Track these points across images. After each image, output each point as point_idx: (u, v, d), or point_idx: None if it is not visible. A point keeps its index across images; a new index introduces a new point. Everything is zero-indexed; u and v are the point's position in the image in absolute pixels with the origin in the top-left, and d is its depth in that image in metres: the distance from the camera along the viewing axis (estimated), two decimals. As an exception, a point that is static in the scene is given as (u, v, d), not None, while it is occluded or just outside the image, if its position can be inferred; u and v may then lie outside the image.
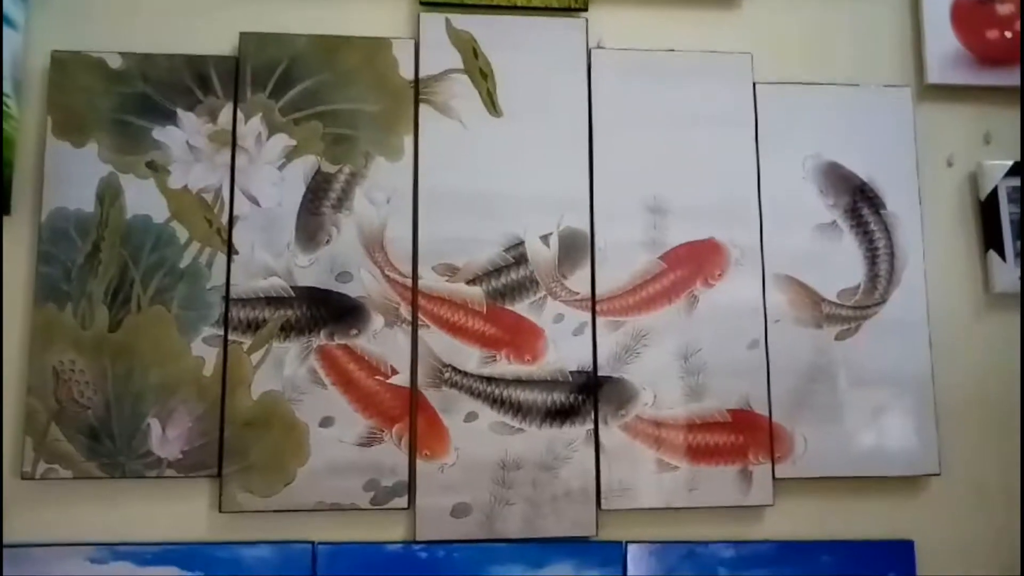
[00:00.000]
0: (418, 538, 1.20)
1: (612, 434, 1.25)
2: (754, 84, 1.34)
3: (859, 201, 1.34)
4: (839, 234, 1.33)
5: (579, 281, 1.27)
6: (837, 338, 1.31)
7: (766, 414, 1.27)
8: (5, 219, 1.22)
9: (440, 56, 1.29)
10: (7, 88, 1.19)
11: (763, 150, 1.33)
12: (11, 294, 1.22)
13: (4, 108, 1.19)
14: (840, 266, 1.32)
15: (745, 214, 1.31)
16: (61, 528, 1.18)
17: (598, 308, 1.27)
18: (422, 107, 1.28)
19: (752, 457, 1.26)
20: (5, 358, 1.20)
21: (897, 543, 1.28)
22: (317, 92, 1.27)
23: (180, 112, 1.25)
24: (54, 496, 1.19)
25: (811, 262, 1.32)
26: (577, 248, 1.28)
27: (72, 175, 1.22)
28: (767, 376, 1.28)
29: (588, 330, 1.26)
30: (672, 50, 1.35)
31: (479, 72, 1.29)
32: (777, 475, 1.26)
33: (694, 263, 1.29)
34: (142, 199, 1.22)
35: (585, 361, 1.25)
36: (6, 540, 1.17)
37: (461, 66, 1.29)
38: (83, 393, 1.17)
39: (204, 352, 1.20)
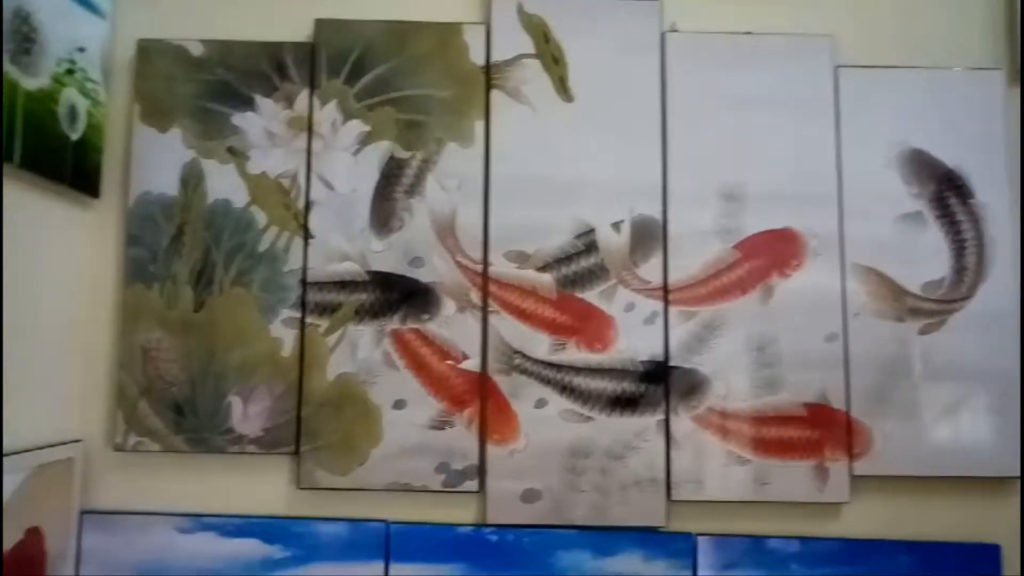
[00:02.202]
0: (488, 521, 1.22)
1: (683, 425, 1.23)
2: (835, 68, 1.30)
3: (946, 190, 1.28)
4: (924, 224, 1.28)
5: (651, 269, 1.25)
6: (921, 332, 1.26)
7: (843, 409, 1.24)
8: (95, 203, 1.27)
9: (512, 41, 1.28)
10: (96, 76, 1.24)
11: (844, 136, 1.28)
12: (102, 275, 1.27)
13: (94, 96, 1.23)
14: (924, 258, 1.27)
15: (824, 203, 1.27)
16: (150, 498, 1.23)
17: (670, 297, 1.25)
18: (493, 93, 1.27)
19: (828, 453, 1.23)
20: (98, 336, 1.26)
21: (982, 546, 1.24)
22: (390, 78, 1.27)
23: (258, 98, 1.27)
24: (144, 467, 1.24)
25: (894, 253, 1.27)
26: (649, 236, 1.26)
27: (157, 160, 1.26)
28: (845, 370, 1.25)
29: (660, 319, 1.25)
30: (749, 33, 1.31)
31: (551, 57, 1.28)
32: (855, 472, 1.23)
33: (770, 252, 1.26)
34: (223, 184, 1.26)
35: (656, 351, 1.24)
36: (100, 507, 1.22)
37: (533, 51, 1.28)
38: (169, 370, 1.22)
39: (282, 333, 1.23)
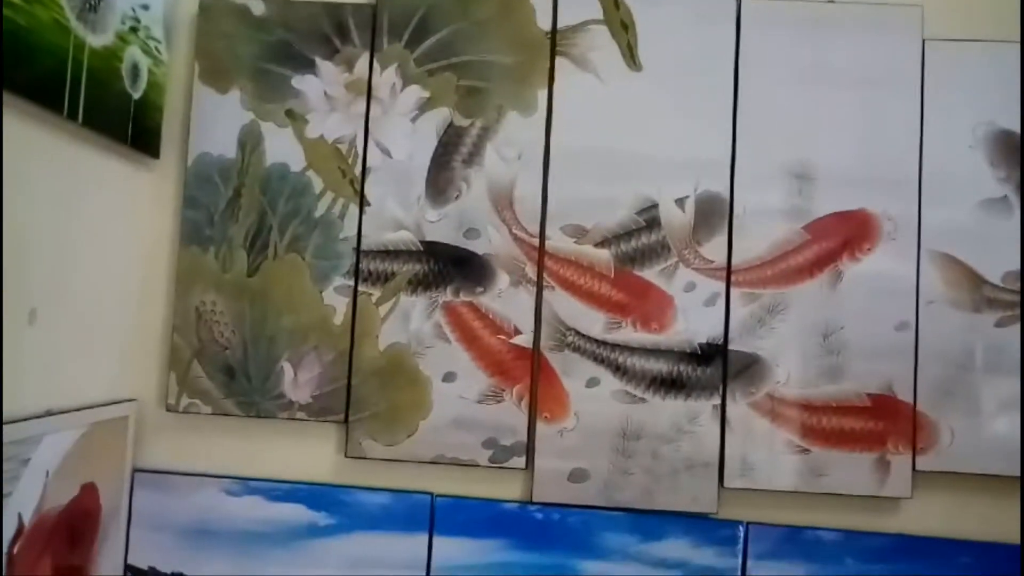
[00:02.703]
0: (535, 499, 1.20)
1: (739, 410, 1.20)
2: (923, 41, 1.22)
3: (1035, 175, 1.21)
4: (1009, 210, 1.21)
5: (714, 249, 1.21)
6: (998, 325, 1.20)
7: (910, 401, 1.19)
8: (154, 163, 1.27)
9: (579, 6, 1.23)
10: (159, 34, 1.23)
11: (928, 114, 1.21)
12: (159, 236, 1.27)
13: (156, 54, 1.22)
14: (1007, 246, 1.21)
15: (902, 184, 1.21)
16: (200, 459, 1.25)
17: (733, 278, 1.21)
18: (558, 60, 1.23)
19: (891, 446, 1.19)
20: (154, 297, 1.27)
21: None
22: (452, 43, 1.24)
23: (319, 61, 1.25)
24: (194, 428, 1.26)
25: (974, 240, 1.20)
26: (714, 213, 1.21)
27: (216, 121, 1.25)
28: (915, 361, 1.19)
29: (721, 301, 1.21)
30: (832, 1, 1.24)
31: (620, 23, 1.23)
32: (918, 467, 1.19)
33: (841, 235, 1.21)
34: (281, 147, 1.24)
35: (716, 333, 1.20)
36: (151, 466, 1.24)
37: (601, 17, 1.23)
38: (222, 334, 1.22)
39: (335, 301, 1.22)
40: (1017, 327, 1.20)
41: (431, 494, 1.22)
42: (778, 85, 1.22)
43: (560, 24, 1.24)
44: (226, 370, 1.22)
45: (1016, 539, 1.18)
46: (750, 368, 1.20)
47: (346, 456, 1.21)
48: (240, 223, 1.23)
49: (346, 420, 1.21)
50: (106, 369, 1.19)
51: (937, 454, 1.19)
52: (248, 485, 1.22)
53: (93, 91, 1.07)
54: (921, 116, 1.22)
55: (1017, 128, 1.21)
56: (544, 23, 1.24)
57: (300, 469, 1.24)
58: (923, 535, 1.20)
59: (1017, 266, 1.20)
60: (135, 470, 1.22)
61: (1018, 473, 1.18)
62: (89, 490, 1.09)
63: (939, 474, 1.20)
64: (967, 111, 1.22)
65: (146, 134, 1.22)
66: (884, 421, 1.19)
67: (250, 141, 1.24)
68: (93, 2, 1.06)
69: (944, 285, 1.21)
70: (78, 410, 1.07)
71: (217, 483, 1.23)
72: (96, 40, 1.07)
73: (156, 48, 1.22)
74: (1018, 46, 1.22)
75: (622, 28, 1.23)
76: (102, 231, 1.17)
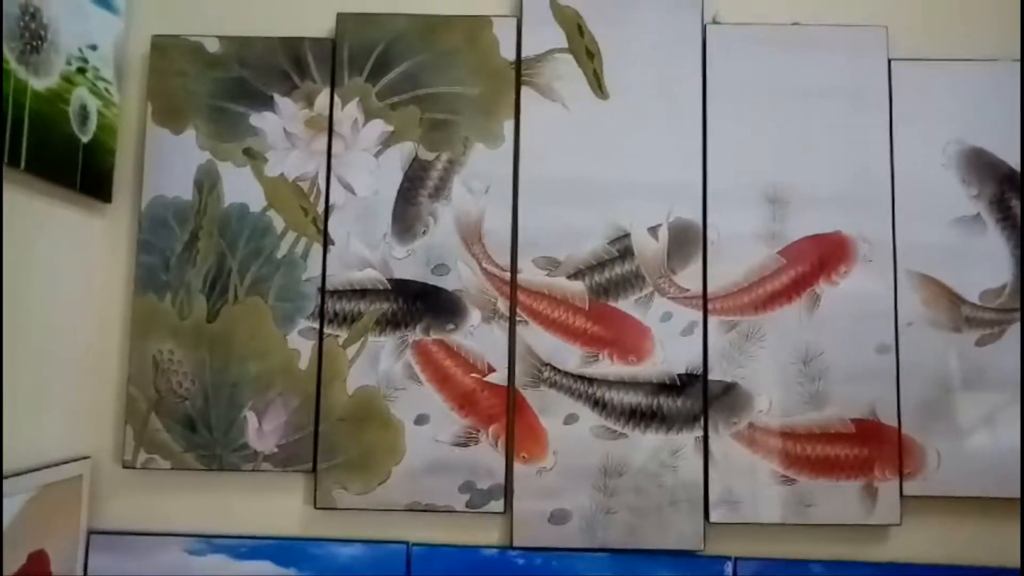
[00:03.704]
0: (515, 544, 1.16)
1: (722, 442, 1.17)
2: (889, 61, 1.22)
3: (1007, 191, 1.21)
4: (983, 228, 1.20)
5: (689, 277, 1.19)
6: (978, 344, 1.19)
7: (895, 425, 1.17)
8: (107, 208, 1.22)
9: (543, 35, 1.22)
10: (109, 75, 1.18)
11: (898, 134, 1.21)
12: (112, 283, 1.22)
13: (107, 95, 1.18)
14: (983, 264, 1.20)
15: (876, 205, 1.20)
16: (160, 517, 1.19)
17: (710, 306, 1.18)
18: (524, 90, 1.21)
19: (878, 472, 1.16)
20: (107, 347, 1.21)
21: None
22: (415, 75, 1.21)
23: (277, 97, 1.22)
24: (154, 485, 1.19)
25: (950, 259, 1.20)
26: (688, 241, 1.19)
27: (171, 162, 1.21)
28: (897, 384, 1.18)
29: (698, 330, 1.18)
30: (797, 24, 1.23)
31: (585, 51, 1.21)
32: (905, 492, 1.17)
33: (817, 258, 1.19)
34: (239, 187, 1.20)
35: (695, 363, 1.17)
36: (107, 527, 1.18)
37: (566, 45, 1.22)
38: (181, 383, 1.17)
39: (300, 345, 1.18)
40: (999, 344, 1.19)
41: (407, 543, 1.17)
42: (747, 108, 1.21)
43: (525, 53, 1.22)
44: (186, 422, 1.16)
45: (1012, 562, 1.16)
46: (731, 398, 1.17)
47: (315, 507, 1.16)
48: (198, 267, 1.19)
49: (314, 469, 1.16)
50: (57, 425, 1.13)
51: (924, 478, 1.17)
52: (212, 543, 1.17)
53: (37, 135, 1.02)
54: (891, 136, 1.21)
55: (988, 146, 1.21)
56: (508, 53, 1.22)
57: (267, 523, 1.19)
58: (914, 562, 1.18)
59: (994, 284, 1.20)
60: (91, 532, 1.16)
61: (1009, 494, 1.16)
62: (38, 559, 1.02)
63: (928, 499, 1.17)
64: (936, 130, 1.22)
65: (97, 178, 1.17)
66: (869, 447, 1.17)
67: (207, 182, 1.20)
68: (35, 43, 1.02)
69: (923, 306, 1.19)
70: (27, 472, 1.01)
71: (179, 542, 1.17)
72: (39, 82, 1.03)
73: (106, 89, 1.18)
74: (984, 64, 1.23)
75: (587, 56, 1.21)
76: (51, 280, 1.11)
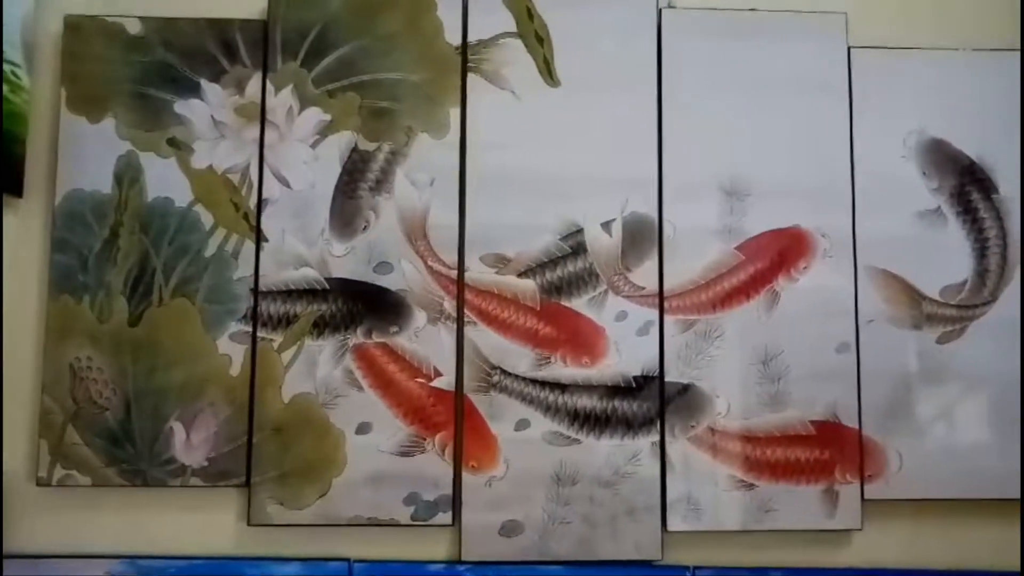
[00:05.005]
0: (464, 558, 1.12)
1: (680, 447, 1.14)
2: (848, 49, 1.20)
3: (967, 184, 1.20)
4: (943, 222, 1.19)
5: (645, 274, 1.15)
6: (939, 341, 1.18)
7: (856, 427, 1.15)
8: (17, 202, 1.14)
9: (491, 18, 1.17)
10: (17, 57, 1.09)
11: (858, 125, 1.19)
12: (24, 284, 1.14)
13: (14, 79, 1.09)
14: (944, 259, 1.19)
15: (835, 198, 1.18)
16: (79, 538, 1.12)
17: (666, 305, 1.15)
18: (470, 76, 1.16)
19: (839, 475, 1.15)
20: (19, 354, 1.13)
21: (1007, 575, 1.16)
22: (354, 60, 1.15)
23: (204, 83, 1.15)
24: (72, 504, 1.12)
25: (911, 254, 1.18)
26: (643, 236, 1.16)
27: (88, 153, 1.13)
28: (858, 384, 1.16)
29: (654, 330, 1.15)
30: (754, 9, 1.20)
31: (535, 36, 1.17)
32: (867, 496, 1.15)
33: (776, 254, 1.17)
34: (163, 180, 1.14)
35: (651, 365, 1.14)
36: (21, 550, 1.10)
37: (514, 29, 1.17)
38: (101, 393, 1.10)
39: (231, 350, 1.12)
40: (961, 342, 1.17)
41: (348, 560, 1.12)
42: (703, 97, 1.18)
43: (471, 38, 1.17)
44: (107, 434, 1.10)
45: (975, 565, 1.17)
46: (688, 400, 1.14)
47: (249, 524, 1.11)
48: (119, 266, 1.11)
49: (248, 483, 1.11)
50: (-38, 441, 1.05)
51: (886, 481, 1.16)
52: (137, 564, 1.10)
53: (-71, 124, 0.93)
54: (851, 126, 1.19)
55: (948, 136, 1.20)
56: (454, 38, 1.17)
57: (197, 542, 1.13)
58: (877, 567, 1.17)
59: (955, 280, 1.18)
60: (3, 556, 1.08)
61: (971, 495, 1.16)
62: (-63, 589, 0.94)
63: (890, 502, 1.16)
64: (897, 120, 1.20)
65: (6, 170, 1.09)
66: (830, 449, 1.15)
67: (128, 174, 1.13)
68: (-76, 21, 0.93)
69: (883, 303, 1.18)
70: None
71: (102, 564, 1.10)
72: (-69, 65, 0.94)
73: (13, 72, 1.09)
74: (945, 52, 1.21)
75: (537, 41, 1.16)
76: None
